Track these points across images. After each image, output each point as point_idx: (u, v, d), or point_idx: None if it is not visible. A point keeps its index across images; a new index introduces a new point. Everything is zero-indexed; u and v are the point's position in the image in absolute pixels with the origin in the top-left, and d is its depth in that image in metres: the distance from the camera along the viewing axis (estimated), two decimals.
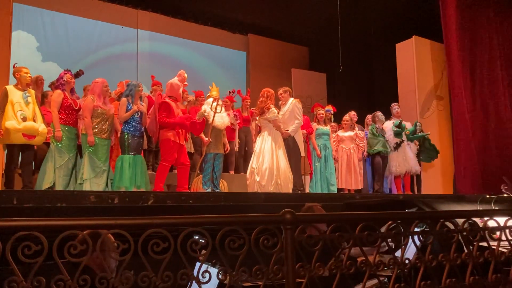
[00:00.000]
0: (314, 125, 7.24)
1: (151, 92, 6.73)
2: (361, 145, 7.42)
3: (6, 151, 5.05)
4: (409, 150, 7.54)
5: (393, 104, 7.83)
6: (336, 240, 1.82)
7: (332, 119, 7.68)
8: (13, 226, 1.54)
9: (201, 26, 10.84)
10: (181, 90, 5.72)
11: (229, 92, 7.18)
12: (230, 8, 10.40)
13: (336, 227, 1.84)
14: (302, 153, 6.51)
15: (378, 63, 10.90)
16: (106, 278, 1.57)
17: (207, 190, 5.80)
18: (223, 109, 6.25)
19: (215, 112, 5.96)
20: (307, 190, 6.83)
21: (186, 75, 5.83)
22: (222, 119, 6.10)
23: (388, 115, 7.67)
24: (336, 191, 6.90)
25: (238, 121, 7.17)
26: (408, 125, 7.70)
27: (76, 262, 1.56)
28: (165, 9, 10.22)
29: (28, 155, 4.95)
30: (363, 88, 11.17)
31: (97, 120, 5.24)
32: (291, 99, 6.29)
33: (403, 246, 2.06)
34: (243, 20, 11.12)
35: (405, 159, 7.44)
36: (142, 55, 9.90)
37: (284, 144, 6.05)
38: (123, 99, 5.39)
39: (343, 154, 7.37)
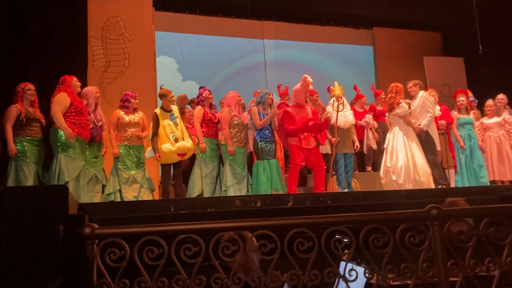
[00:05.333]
0: (455, 114, 6.69)
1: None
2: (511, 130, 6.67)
3: (160, 166, 5.69)
4: None
5: None
6: (491, 235, 1.69)
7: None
8: (175, 230, 1.74)
9: (324, 27, 10.82)
10: (303, 95, 5.72)
11: (356, 90, 7.01)
12: (352, 4, 10.21)
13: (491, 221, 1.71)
14: (438, 147, 6.09)
15: None
16: (258, 275, 1.68)
17: (344, 190, 5.77)
18: (347, 107, 6.15)
19: (338, 111, 5.90)
20: (452, 185, 6.36)
21: (309, 79, 5.65)
22: (345, 118, 6.04)
23: None
24: (488, 184, 6.29)
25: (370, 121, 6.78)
26: None
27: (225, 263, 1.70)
28: (288, 16, 10.44)
29: (178, 167, 5.49)
30: (508, 69, 10.02)
31: (234, 131, 5.58)
32: (421, 92, 5.95)
33: None
34: (367, 15, 10.79)
35: None
36: (270, 63, 10.23)
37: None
38: (254, 108, 5.67)
39: (491, 143, 6.68)
